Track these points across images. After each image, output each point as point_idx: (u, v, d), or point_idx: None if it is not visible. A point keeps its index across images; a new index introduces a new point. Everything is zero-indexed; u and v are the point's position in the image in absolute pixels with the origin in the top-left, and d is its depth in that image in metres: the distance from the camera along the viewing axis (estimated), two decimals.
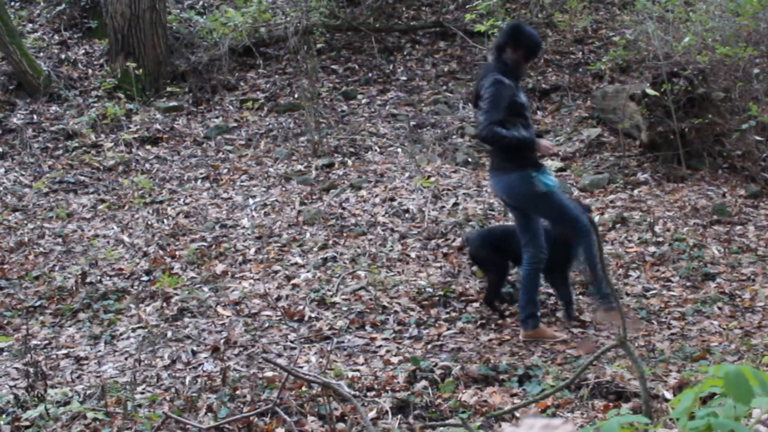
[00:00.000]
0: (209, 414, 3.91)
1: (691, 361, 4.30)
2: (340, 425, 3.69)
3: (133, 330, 5.32)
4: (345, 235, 6.47)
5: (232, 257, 6.25)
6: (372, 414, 3.83)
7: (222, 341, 5.00)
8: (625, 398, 3.82)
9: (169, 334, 5.17)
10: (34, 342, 5.26)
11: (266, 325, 5.24)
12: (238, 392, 4.13)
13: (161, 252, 6.43)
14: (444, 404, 3.92)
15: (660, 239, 6.11)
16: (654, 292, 5.46)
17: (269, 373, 4.38)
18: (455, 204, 6.81)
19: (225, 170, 8.02)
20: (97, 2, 10.48)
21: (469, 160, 7.90)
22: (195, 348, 4.97)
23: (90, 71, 9.87)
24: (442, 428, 3.60)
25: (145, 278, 6.03)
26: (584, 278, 5.61)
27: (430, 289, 5.54)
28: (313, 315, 5.32)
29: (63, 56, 10.01)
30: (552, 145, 5.43)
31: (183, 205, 7.34)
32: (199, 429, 3.47)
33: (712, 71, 7.69)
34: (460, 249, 6.07)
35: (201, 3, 11.01)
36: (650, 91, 7.19)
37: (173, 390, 4.33)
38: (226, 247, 6.41)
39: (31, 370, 4.46)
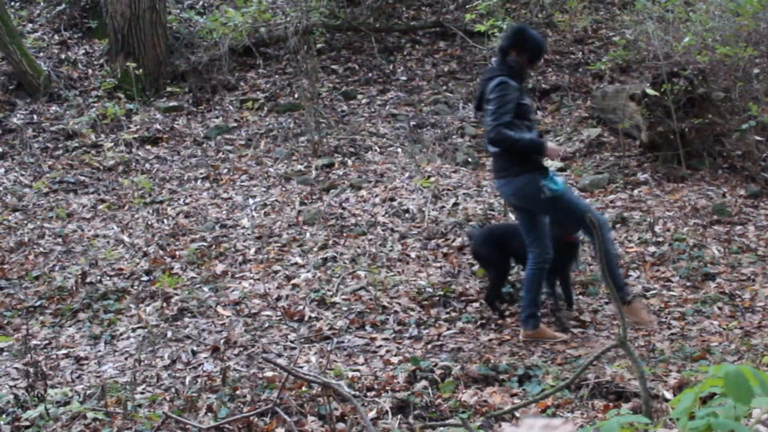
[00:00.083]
0: (209, 414, 3.91)
1: (691, 361, 4.30)
2: (340, 425, 3.69)
3: (133, 330, 5.32)
4: (345, 235, 6.47)
5: (232, 257, 6.25)
6: (372, 414, 3.83)
7: (222, 341, 5.00)
8: (625, 398, 3.81)
9: (169, 334, 5.17)
10: (34, 342, 5.26)
11: (266, 325, 5.24)
12: (238, 392, 4.13)
13: (161, 252, 6.43)
14: (444, 404, 3.92)
15: (660, 239, 6.11)
16: (654, 292, 5.46)
17: (269, 373, 4.38)
18: (455, 204, 6.81)
19: (225, 170, 8.02)
20: (97, 2, 10.48)
21: (469, 160, 7.90)
22: (195, 348, 4.97)
23: (90, 71, 9.87)
24: (442, 428, 3.60)
25: (145, 278, 6.03)
26: (584, 278, 5.62)
27: (430, 289, 5.54)
28: (313, 315, 5.32)
29: (63, 56, 10.01)
30: (559, 147, 5.44)
31: (183, 205, 7.34)
32: (199, 429, 3.47)
33: (712, 71, 7.69)
34: (461, 249, 6.07)
35: (201, 3, 11.01)
36: (650, 91, 7.19)
37: (173, 390, 4.33)
38: (226, 247, 6.42)
39: (31, 370, 4.46)
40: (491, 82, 4.74)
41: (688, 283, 5.55)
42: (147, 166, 8.23)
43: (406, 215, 6.70)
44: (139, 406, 4.09)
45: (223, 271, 6.05)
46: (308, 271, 5.93)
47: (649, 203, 6.76)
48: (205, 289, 5.78)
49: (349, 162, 7.94)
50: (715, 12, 8.09)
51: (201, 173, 8.00)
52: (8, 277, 6.21)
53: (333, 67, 10.13)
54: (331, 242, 6.36)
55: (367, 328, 5.13)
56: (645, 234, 6.20)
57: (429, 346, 4.86)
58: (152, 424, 3.76)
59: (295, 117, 8.98)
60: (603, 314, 5.24)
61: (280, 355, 4.81)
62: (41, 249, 6.66)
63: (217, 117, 9.18)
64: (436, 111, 9.06)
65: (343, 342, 4.95)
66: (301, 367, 4.48)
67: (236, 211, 7.12)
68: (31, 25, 10.69)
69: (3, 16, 9.21)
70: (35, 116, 9.00)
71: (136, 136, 8.62)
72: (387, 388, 4.13)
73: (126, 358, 4.94)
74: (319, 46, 9.67)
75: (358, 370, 4.45)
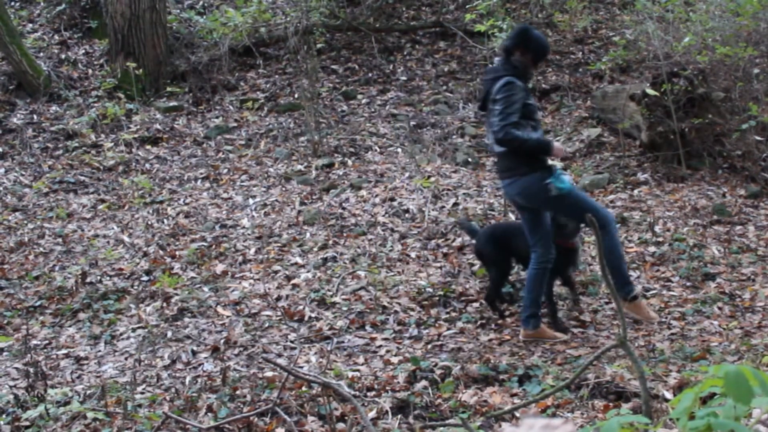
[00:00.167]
0: (209, 414, 3.91)
1: (691, 361, 4.30)
2: (340, 425, 3.69)
3: (133, 330, 5.32)
4: (345, 235, 6.47)
5: (232, 257, 6.25)
6: (372, 414, 3.83)
7: (222, 341, 5.00)
8: (625, 398, 3.81)
9: (169, 334, 5.17)
10: (34, 342, 5.26)
11: (266, 325, 5.24)
12: (238, 392, 4.13)
13: (161, 252, 6.43)
14: (444, 404, 3.92)
15: (660, 239, 6.11)
16: (654, 292, 5.46)
17: (269, 373, 4.38)
18: (455, 204, 6.81)
19: (225, 170, 8.02)
20: (97, 2, 10.49)
21: (469, 160, 7.90)
22: (195, 348, 4.97)
23: (90, 71, 9.88)
24: (442, 428, 3.60)
25: (145, 278, 6.03)
26: (584, 278, 5.62)
27: (430, 289, 5.54)
28: (313, 315, 5.32)
29: (63, 56, 10.01)
30: (563, 146, 5.46)
31: (183, 205, 7.34)
32: (199, 429, 3.47)
33: (712, 71, 7.69)
34: (461, 249, 6.07)
35: (201, 3, 11.01)
36: (650, 91, 7.18)
37: (173, 390, 4.33)
38: (226, 247, 6.42)
39: (31, 370, 4.46)
40: (497, 82, 4.74)
41: (688, 283, 5.55)
42: (147, 166, 8.23)
43: (406, 215, 6.70)
44: (139, 406, 4.09)
45: (223, 271, 6.05)
46: (308, 271, 5.93)
47: (649, 203, 6.76)
48: (205, 289, 5.79)
49: (349, 162, 7.94)
50: (715, 12, 8.09)
51: (201, 173, 8.00)
52: (8, 277, 6.21)
53: (333, 67, 10.13)
54: (331, 242, 6.36)
55: (367, 328, 5.13)
56: (645, 234, 6.20)
57: (429, 346, 4.86)
58: (152, 424, 3.77)
59: (295, 117, 8.98)
60: (603, 314, 5.24)
61: (280, 355, 4.81)
62: (41, 249, 6.66)
63: (217, 117, 9.18)
64: (436, 111, 9.06)
65: (343, 342, 4.95)
66: (301, 367, 4.48)
67: (236, 211, 7.12)
68: (31, 25, 10.70)
69: (3, 16, 9.21)
70: (35, 116, 9.00)
71: (136, 136, 8.62)
72: (387, 388, 4.13)
73: (126, 358, 4.94)
74: (319, 46, 9.67)
75: (358, 370, 4.45)
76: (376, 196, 7.09)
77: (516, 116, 4.66)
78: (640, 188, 7.11)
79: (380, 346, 4.89)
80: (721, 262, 5.81)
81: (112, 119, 8.82)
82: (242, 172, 7.94)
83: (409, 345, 4.89)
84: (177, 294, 5.69)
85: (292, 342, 5.00)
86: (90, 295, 5.78)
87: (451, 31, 10.46)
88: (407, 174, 7.47)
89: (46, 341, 5.31)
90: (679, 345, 4.60)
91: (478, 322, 5.17)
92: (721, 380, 1.57)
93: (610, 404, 3.75)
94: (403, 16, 11.09)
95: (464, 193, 7.00)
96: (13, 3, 10.93)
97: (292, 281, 5.83)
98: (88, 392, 4.37)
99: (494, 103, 4.72)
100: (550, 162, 4.85)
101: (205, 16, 10.42)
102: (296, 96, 9.28)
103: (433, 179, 7.19)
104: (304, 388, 4.05)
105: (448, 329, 5.10)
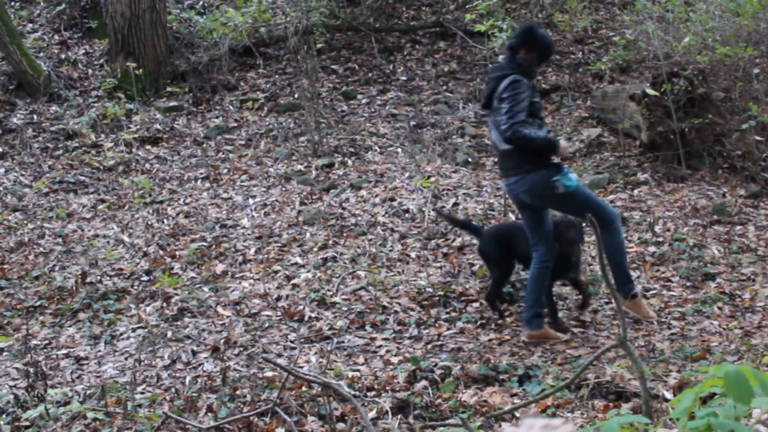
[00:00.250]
0: (209, 414, 3.91)
1: (691, 361, 4.30)
2: (340, 425, 3.69)
3: (133, 330, 5.32)
4: (345, 235, 6.47)
5: (232, 257, 6.25)
6: (372, 414, 3.83)
7: (222, 341, 5.00)
8: (625, 398, 3.81)
9: (169, 334, 5.17)
10: (34, 342, 5.26)
11: (266, 325, 5.24)
12: (238, 392, 4.13)
13: (161, 252, 6.43)
14: (444, 404, 3.92)
15: (660, 239, 6.11)
16: (654, 292, 5.46)
17: (269, 373, 4.38)
18: (455, 204, 6.81)
19: (225, 170, 8.02)
20: (97, 2, 10.48)
21: (469, 160, 7.90)
22: (195, 348, 4.97)
23: (90, 71, 9.88)
24: (442, 428, 3.60)
25: (145, 278, 6.03)
26: (584, 278, 5.61)
27: (430, 289, 5.54)
28: (313, 315, 5.32)
29: (63, 56, 10.01)
30: (568, 144, 5.47)
31: (183, 205, 7.34)
32: (199, 429, 3.47)
33: (712, 71, 7.69)
34: (461, 249, 6.07)
35: (201, 3, 11.01)
36: (650, 91, 7.18)
37: (173, 390, 4.33)
38: (226, 247, 6.42)
39: (31, 370, 4.46)
40: (503, 80, 4.74)
41: (688, 283, 5.55)
42: (147, 166, 8.23)
43: (406, 215, 6.70)
44: (139, 406, 4.09)
45: (223, 271, 6.05)
46: (308, 271, 5.93)
47: (649, 203, 6.76)
48: (205, 289, 5.79)
49: (349, 162, 7.94)
50: (715, 12, 8.09)
51: (201, 173, 8.00)
52: (8, 277, 6.21)
53: (333, 67, 10.13)
54: (331, 242, 6.36)
55: (367, 328, 5.13)
56: (645, 234, 6.20)
57: (429, 346, 4.86)
58: (152, 424, 3.77)
59: (295, 117, 8.98)
60: (603, 314, 5.24)
61: (280, 355, 4.81)
62: (41, 249, 6.66)
63: (217, 117, 9.18)
64: (436, 111, 9.06)
65: (343, 342, 4.95)
66: (301, 367, 4.48)
67: (236, 211, 7.12)
68: (31, 25, 10.69)
69: (3, 16, 9.21)
70: (35, 116, 9.00)
71: (136, 136, 8.62)
72: (387, 388, 4.13)
73: (126, 358, 4.94)
74: (319, 46, 9.66)
75: (358, 370, 4.45)
76: (376, 196, 7.09)
77: (523, 114, 4.66)
78: (640, 188, 7.11)
79: (380, 346, 4.89)
80: (721, 262, 5.81)
81: (112, 119, 8.82)
82: (242, 172, 7.94)
83: (409, 345, 4.89)
84: (177, 294, 5.69)
85: (292, 342, 5.00)
86: (90, 295, 5.78)
87: (451, 31, 10.46)
88: (407, 174, 7.47)
89: (46, 341, 5.31)
90: (679, 345, 4.60)
91: (478, 322, 5.17)
92: (721, 380, 1.57)
93: (610, 404, 3.75)
94: (403, 16, 11.09)
95: (464, 193, 7.00)
96: (13, 3, 10.93)
97: (292, 281, 5.83)
98: (88, 392, 4.37)
99: (501, 101, 4.71)
100: (556, 160, 4.85)
101: (205, 16, 10.42)
102: (296, 96, 9.28)
103: (433, 179, 7.19)
104: (304, 388, 4.05)
105: (448, 329, 5.10)
